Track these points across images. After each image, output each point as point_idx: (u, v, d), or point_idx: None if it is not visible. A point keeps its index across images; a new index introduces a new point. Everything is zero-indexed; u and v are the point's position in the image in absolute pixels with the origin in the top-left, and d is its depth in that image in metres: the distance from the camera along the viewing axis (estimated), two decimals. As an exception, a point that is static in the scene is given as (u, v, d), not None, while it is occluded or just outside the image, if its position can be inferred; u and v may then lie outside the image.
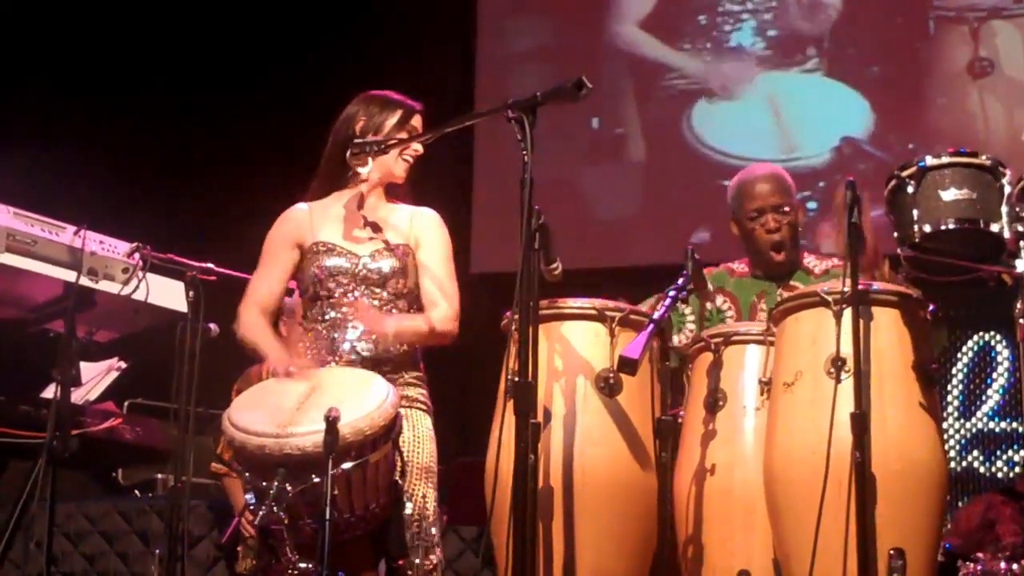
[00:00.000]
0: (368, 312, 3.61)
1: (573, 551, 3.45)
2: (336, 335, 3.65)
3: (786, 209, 4.16)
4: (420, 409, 3.69)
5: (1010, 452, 7.08)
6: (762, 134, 7.67)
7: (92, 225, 4.50)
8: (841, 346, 3.34)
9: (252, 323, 3.71)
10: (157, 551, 5.04)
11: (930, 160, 3.39)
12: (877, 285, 3.49)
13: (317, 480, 3.22)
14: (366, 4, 8.07)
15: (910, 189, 3.37)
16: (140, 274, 4.30)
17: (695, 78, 7.83)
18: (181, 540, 3.94)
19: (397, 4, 8.00)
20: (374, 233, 3.73)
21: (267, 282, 3.77)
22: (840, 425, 3.24)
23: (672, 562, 3.57)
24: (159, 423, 5.03)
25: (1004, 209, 3.31)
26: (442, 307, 3.67)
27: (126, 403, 5.77)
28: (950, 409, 7.11)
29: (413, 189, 3.87)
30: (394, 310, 3.69)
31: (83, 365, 4.61)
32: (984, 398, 7.14)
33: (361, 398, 3.38)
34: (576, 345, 3.60)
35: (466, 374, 6.44)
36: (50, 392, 4.59)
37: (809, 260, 4.26)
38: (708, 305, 4.18)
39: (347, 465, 3.28)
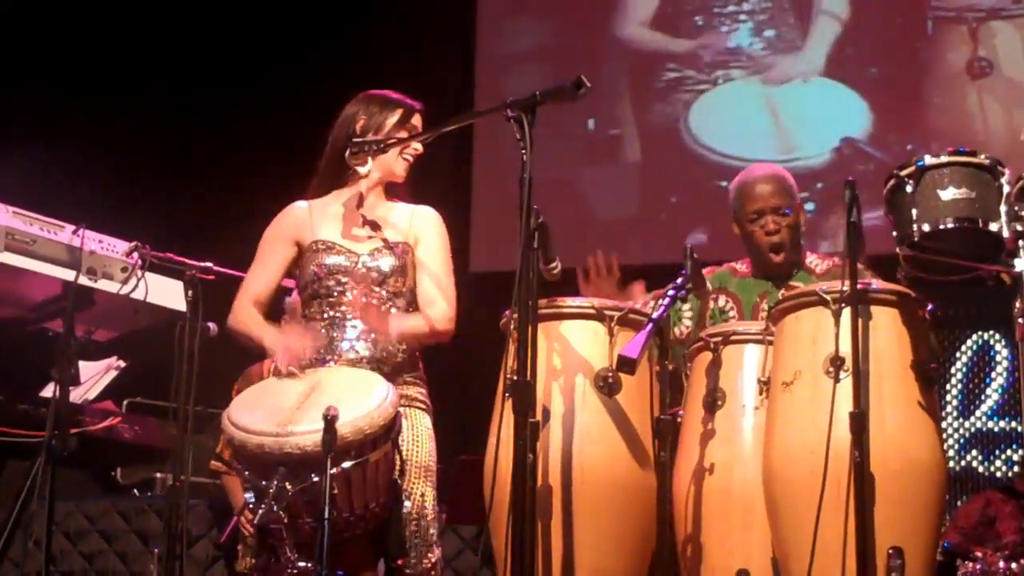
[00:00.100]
0: (371, 312, 3.61)
1: (572, 550, 3.46)
2: (335, 334, 3.65)
3: (786, 211, 4.15)
4: (419, 408, 3.69)
5: (1009, 451, 7.08)
6: (760, 135, 7.66)
7: (91, 224, 4.50)
8: (840, 345, 3.35)
9: (243, 312, 3.71)
10: (156, 550, 5.04)
11: (929, 159, 3.39)
12: (876, 284, 3.50)
13: (316, 479, 3.22)
14: (366, 4, 8.07)
15: (909, 188, 3.37)
16: (139, 273, 4.30)
17: (692, 78, 7.82)
18: (180, 539, 3.94)
19: (397, 4, 8.01)
20: (373, 231, 3.73)
21: (263, 277, 3.77)
22: (839, 424, 3.25)
23: (671, 561, 3.57)
24: (158, 422, 5.03)
25: (1003, 208, 3.31)
26: (440, 306, 3.67)
27: (125, 402, 5.76)
28: (949, 408, 7.11)
29: (412, 188, 3.87)
30: (393, 308, 3.69)
31: (82, 364, 4.60)
32: (983, 397, 7.14)
33: (361, 397, 3.38)
34: (575, 344, 3.60)
35: (465, 373, 6.44)
36: (49, 391, 4.60)
37: (811, 259, 4.25)
38: (711, 304, 4.18)
39: (347, 464, 3.28)
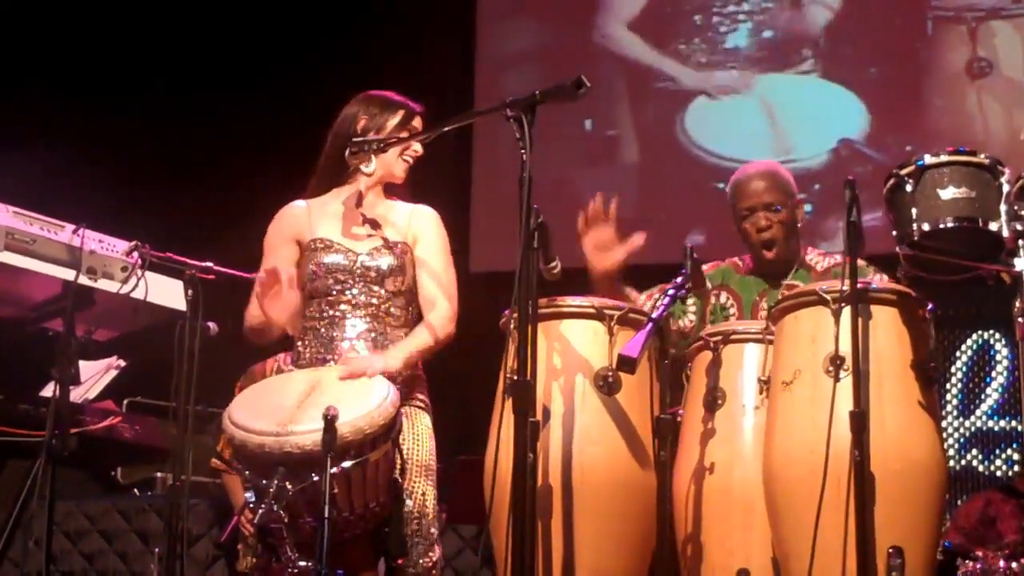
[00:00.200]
0: (369, 361, 3.56)
1: (572, 550, 3.46)
2: (335, 333, 3.65)
3: (778, 208, 4.15)
4: (419, 407, 3.69)
5: (1009, 451, 7.08)
6: (757, 136, 7.64)
7: (91, 224, 4.50)
8: (840, 345, 3.35)
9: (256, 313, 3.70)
10: (156, 550, 5.04)
11: (929, 159, 3.39)
12: (876, 283, 3.50)
13: (317, 479, 3.22)
14: (366, 4, 8.07)
15: (909, 188, 3.37)
16: (139, 273, 4.31)
17: (690, 79, 7.82)
18: (180, 539, 3.94)
19: (397, 4, 8.01)
20: (372, 230, 3.73)
21: None
22: (839, 424, 3.25)
23: (671, 561, 3.57)
24: (158, 422, 5.03)
25: (1003, 208, 3.31)
26: (441, 308, 3.67)
27: (125, 402, 5.76)
28: (949, 408, 7.11)
29: (412, 189, 3.87)
30: (392, 308, 3.69)
31: (82, 364, 4.61)
32: (983, 397, 7.14)
33: (361, 397, 3.38)
34: (575, 343, 3.60)
35: (465, 373, 6.43)
36: (49, 391, 4.59)
37: (812, 256, 4.24)
38: (712, 300, 4.18)
39: (347, 464, 3.28)
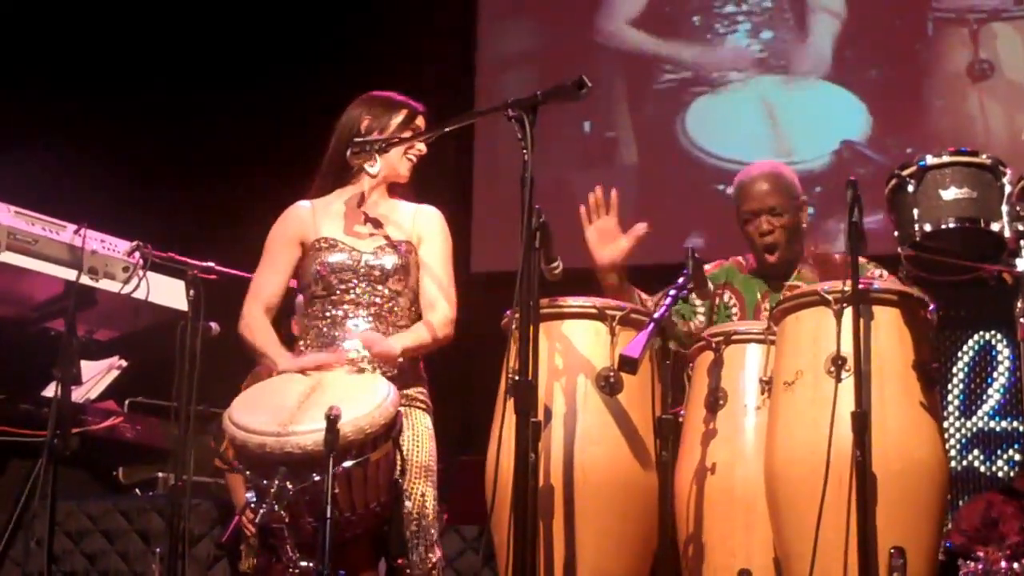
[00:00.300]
0: (371, 337, 3.59)
1: (573, 550, 3.45)
2: (337, 333, 3.65)
3: (781, 211, 4.13)
4: (420, 408, 3.69)
5: (1010, 451, 7.08)
6: (757, 138, 7.62)
7: (93, 224, 4.51)
8: (841, 345, 3.35)
9: (256, 323, 3.69)
10: (158, 550, 5.03)
11: (930, 159, 3.39)
12: (878, 284, 3.50)
13: (318, 479, 3.22)
14: (366, 4, 8.07)
15: (910, 188, 3.37)
16: (140, 273, 4.31)
17: (689, 80, 7.81)
18: (182, 539, 3.94)
19: (397, 4, 8.01)
20: (376, 229, 3.74)
21: (273, 279, 3.76)
22: (841, 424, 3.24)
23: (673, 561, 3.57)
24: (160, 422, 5.04)
25: (1004, 208, 3.31)
26: (441, 310, 3.67)
27: (127, 402, 5.76)
28: (951, 408, 7.11)
29: (414, 189, 3.88)
30: (395, 308, 3.69)
31: (84, 364, 4.62)
32: (985, 397, 7.14)
33: (362, 397, 3.38)
34: (577, 344, 3.60)
35: (466, 373, 6.45)
36: (51, 391, 4.59)
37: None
38: (717, 299, 4.18)
39: (348, 464, 3.28)
